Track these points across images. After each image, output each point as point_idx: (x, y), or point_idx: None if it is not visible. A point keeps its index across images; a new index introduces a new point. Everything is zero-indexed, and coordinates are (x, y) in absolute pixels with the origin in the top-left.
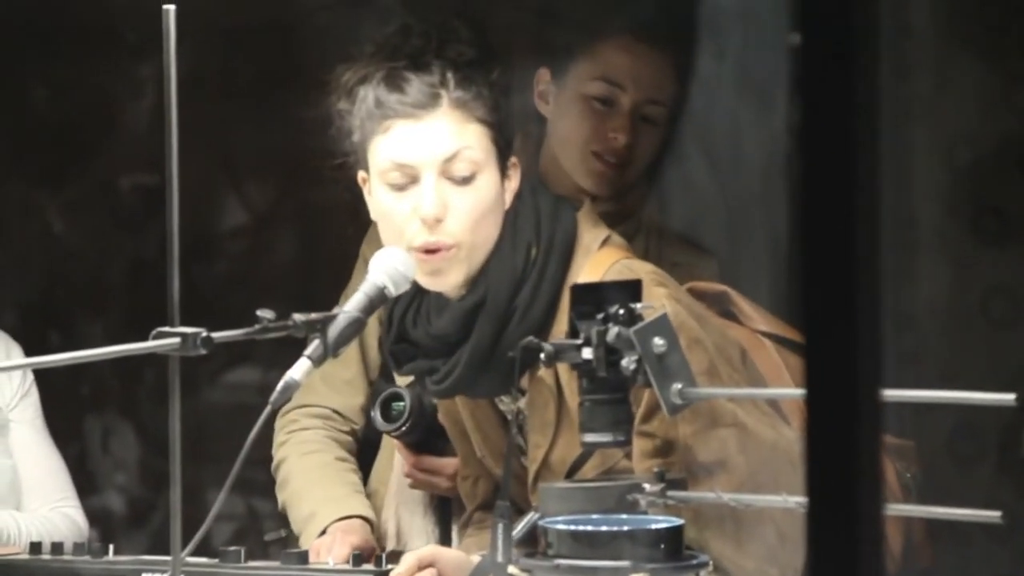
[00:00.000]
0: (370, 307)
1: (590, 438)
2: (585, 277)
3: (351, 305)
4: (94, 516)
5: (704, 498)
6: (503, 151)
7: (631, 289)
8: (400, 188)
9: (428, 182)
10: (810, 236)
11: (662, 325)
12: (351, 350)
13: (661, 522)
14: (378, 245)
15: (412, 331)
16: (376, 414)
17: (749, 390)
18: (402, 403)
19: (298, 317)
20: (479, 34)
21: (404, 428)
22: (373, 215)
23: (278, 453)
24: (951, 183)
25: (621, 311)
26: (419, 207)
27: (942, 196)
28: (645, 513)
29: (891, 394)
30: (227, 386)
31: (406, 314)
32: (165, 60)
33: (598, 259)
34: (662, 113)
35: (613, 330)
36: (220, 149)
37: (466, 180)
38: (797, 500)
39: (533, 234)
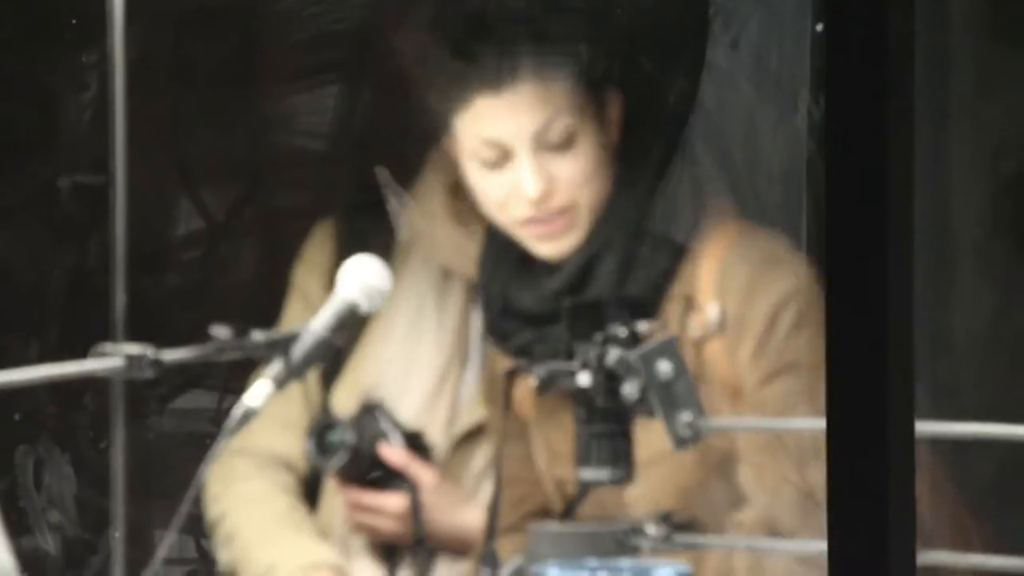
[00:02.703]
0: (339, 327)
1: (587, 474)
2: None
3: (317, 324)
4: (25, 559)
5: (717, 544)
6: (598, 99)
7: (633, 305)
8: (494, 165)
9: (524, 160)
10: (834, 255)
11: (668, 348)
12: (293, 386)
13: (667, 569)
14: (316, 272)
15: (519, 297)
16: (311, 445)
17: (766, 421)
18: (338, 432)
19: (258, 335)
20: None
21: (341, 460)
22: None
23: (214, 507)
24: (995, 195)
25: (622, 331)
26: (520, 189)
27: (985, 209)
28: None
29: (926, 428)
30: (178, 414)
31: (509, 280)
32: (110, 45)
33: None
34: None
35: (613, 353)
36: (174, 147)
37: (565, 145)
38: (822, 547)
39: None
